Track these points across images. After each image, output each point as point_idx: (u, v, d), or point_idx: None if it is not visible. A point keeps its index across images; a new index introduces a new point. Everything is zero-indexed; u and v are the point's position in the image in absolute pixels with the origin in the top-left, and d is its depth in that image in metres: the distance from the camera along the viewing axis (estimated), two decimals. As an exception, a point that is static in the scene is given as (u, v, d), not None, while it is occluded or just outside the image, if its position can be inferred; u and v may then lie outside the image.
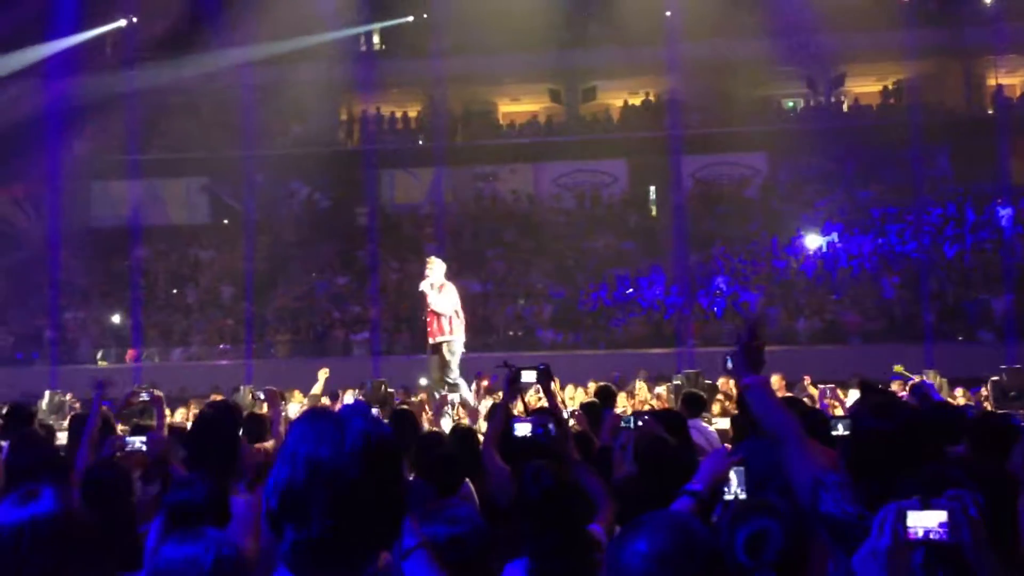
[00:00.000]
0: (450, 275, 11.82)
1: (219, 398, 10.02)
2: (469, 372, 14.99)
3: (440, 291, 11.22)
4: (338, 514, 1.61)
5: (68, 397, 13.55)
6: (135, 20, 25.52)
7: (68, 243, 24.31)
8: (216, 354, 22.90)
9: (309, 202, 29.06)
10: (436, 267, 11.32)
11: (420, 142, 28.86)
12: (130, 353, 22.62)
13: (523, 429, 4.36)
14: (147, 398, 6.12)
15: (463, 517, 2.74)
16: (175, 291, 25.98)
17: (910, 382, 10.24)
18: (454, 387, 11.11)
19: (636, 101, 28.61)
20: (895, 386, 10.98)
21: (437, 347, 11.30)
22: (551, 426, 4.30)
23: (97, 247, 26.10)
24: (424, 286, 11.29)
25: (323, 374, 10.75)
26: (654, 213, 28.09)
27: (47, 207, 25.84)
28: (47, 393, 13.75)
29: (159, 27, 24.51)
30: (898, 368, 11.47)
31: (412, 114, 29.74)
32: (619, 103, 28.92)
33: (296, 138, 28.07)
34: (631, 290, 23.21)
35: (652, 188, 28.30)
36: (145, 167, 26.33)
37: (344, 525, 1.62)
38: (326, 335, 23.24)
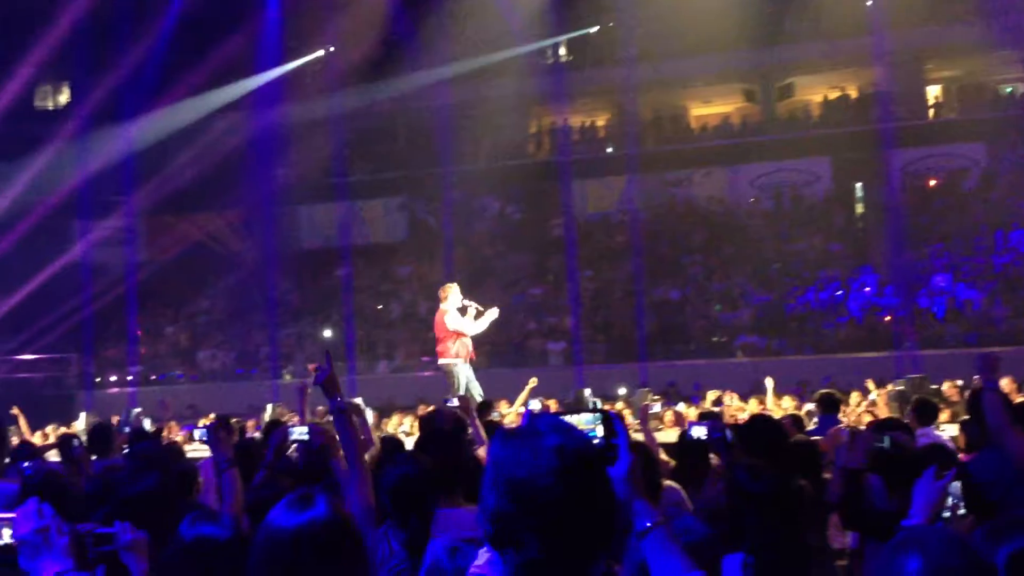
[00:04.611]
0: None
1: (430, 408, 10.13)
2: (662, 381, 14.84)
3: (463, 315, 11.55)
4: (551, 535, 1.61)
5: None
6: (332, 49, 26.53)
7: (280, 264, 25.51)
8: (419, 366, 23.42)
9: (502, 215, 29.41)
10: (454, 293, 11.91)
11: (610, 150, 28.69)
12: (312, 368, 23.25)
13: (699, 432, 4.67)
14: (343, 407, 6.26)
15: (693, 528, 3.00)
16: (380, 307, 26.79)
17: None
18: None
19: (837, 95, 27.47)
20: None
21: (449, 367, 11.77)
22: (727, 432, 4.54)
23: (306, 267, 27.34)
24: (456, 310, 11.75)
25: (531, 383, 10.74)
26: (861, 211, 26.81)
27: (260, 231, 27.24)
28: (268, 406, 14.64)
29: (355, 54, 25.39)
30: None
31: (600, 123, 29.65)
32: (819, 99, 27.90)
33: (488, 153, 28.48)
34: (840, 292, 22.16)
35: (859, 185, 26.99)
36: (347, 189, 27.38)
37: (560, 543, 1.61)
38: (523, 345, 23.36)
